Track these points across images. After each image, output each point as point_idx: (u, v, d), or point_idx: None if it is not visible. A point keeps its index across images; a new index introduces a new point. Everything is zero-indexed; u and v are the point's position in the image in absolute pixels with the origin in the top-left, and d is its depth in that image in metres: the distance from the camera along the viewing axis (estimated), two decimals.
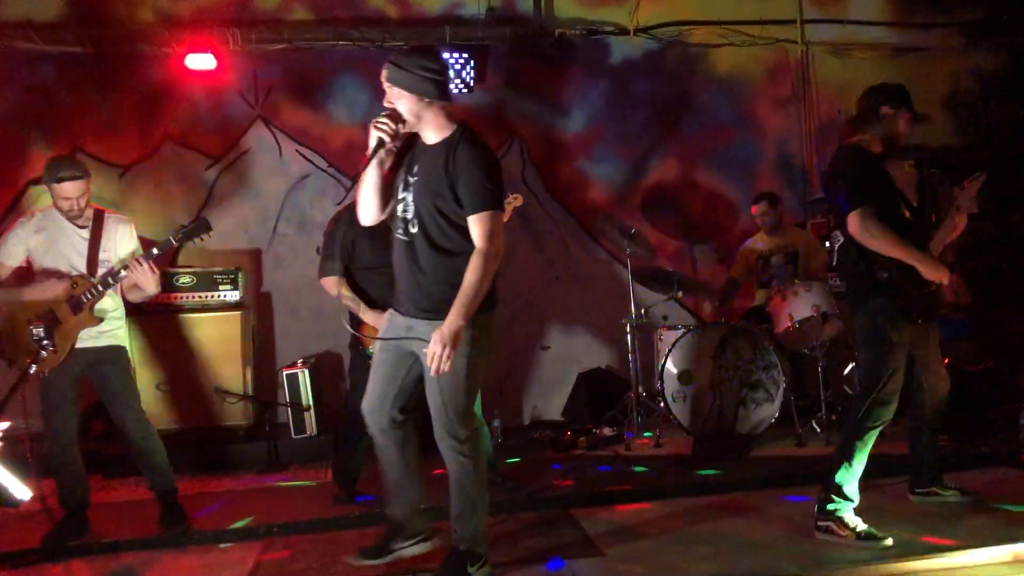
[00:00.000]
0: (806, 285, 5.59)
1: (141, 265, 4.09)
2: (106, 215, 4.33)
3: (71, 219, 4.21)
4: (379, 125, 3.28)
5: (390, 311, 3.52)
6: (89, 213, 4.28)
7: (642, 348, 6.20)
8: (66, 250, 4.21)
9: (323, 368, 6.50)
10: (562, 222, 7.13)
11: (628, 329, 6.18)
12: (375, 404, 3.48)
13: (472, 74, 6.69)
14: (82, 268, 4.18)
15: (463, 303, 3.15)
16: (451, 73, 6.58)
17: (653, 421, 6.05)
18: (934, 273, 3.80)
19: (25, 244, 4.23)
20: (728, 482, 4.71)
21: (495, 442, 4.94)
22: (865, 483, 4.00)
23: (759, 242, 6.52)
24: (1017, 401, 5.35)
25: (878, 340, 3.83)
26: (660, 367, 5.79)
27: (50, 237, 4.22)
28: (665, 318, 6.39)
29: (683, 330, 5.89)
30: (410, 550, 3.58)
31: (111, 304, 4.27)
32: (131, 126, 6.66)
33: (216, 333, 5.94)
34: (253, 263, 6.73)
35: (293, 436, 5.99)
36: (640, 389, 6.16)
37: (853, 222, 3.75)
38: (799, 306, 5.53)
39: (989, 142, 7.26)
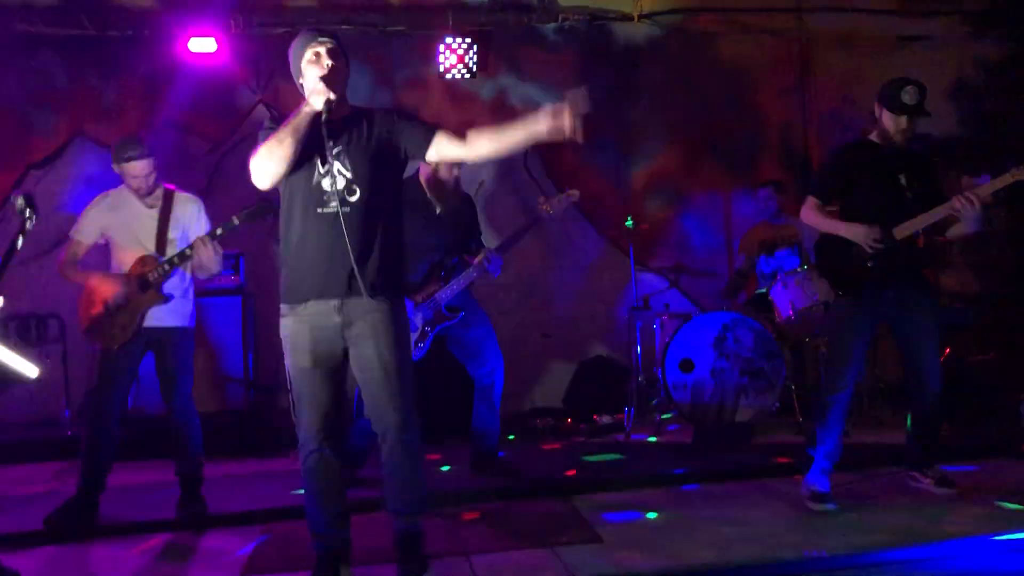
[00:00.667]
0: (808, 274, 5.58)
1: (205, 246, 4.13)
2: (176, 194, 4.41)
3: (140, 197, 4.30)
4: (332, 77, 3.12)
5: (313, 303, 3.18)
6: (159, 192, 4.37)
7: (643, 336, 6.20)
8: (137, 229, 4.29)
9: None
10: (563, 209, 7.09)
11: (629, 317, 6.18)
12: (333, 425, 3.36)
13: (475, 60, 6.66)
14: (151, 247, 4.26)
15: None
16: (454, 58, 6.61)
17: (653, 409, 6.05)
18: (860, 236, 3.97)
19: (99, 222, 4.32)
20: (728, 470, 4.71)
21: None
22: (864, 472, 4.08)
23: (762, 230, 6.50)
24: (1018, 391, 5.35)
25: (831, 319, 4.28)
26: (661, 355, 5.79)
27: (122, 216, 4.30)
28: (667, 306, 6.39)
29: (684, 318, 5.89)
30: None
31: (179, 283, 4.33)
32: (132, 110, 6.64)
33: (217, 317, 5.94)
34: (255, 247, 6.71)
35: (294, 421, 5.98)
36: (641, 377, 6.16)
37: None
38: (801, 295, 5.53)
39: (994, 132, 7.24)
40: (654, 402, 6.11)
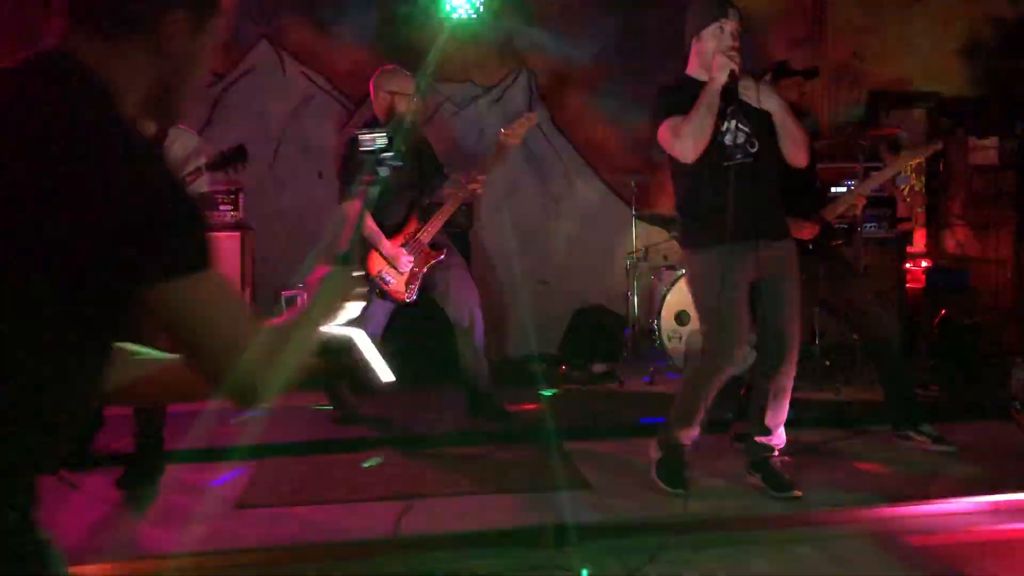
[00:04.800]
0: None
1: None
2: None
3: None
4: (734, 59, 3.41)
5: (723, 246, 3.42)
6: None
7: (640, 287, 6.20)
8: None
9: None
10: (567, 156, 7.06)
11: (627, 267, 6.18)
12: (742, 342, 3.62)
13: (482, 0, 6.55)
14: None
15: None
16: None
17: (648, 358, 6.08)
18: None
19: None
20: (719, 422, 4.74)
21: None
22: (853, 430, 4.17)
23: None
24: (1012, 354, 5.38)
25: None
26: (657, 306, 5.80)
27: None
28: (665, 258, 6.38)
29: (682, 270, 5.88)
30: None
31: None
32: None
33: (215, 252, 5.92)
34: (255, 183, 6.67)
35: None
36: (636, 327, 6.18)
37: None
38: None
39: (1005, 92, 7.17)
40: (649, 352, 6.14)
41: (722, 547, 3.23)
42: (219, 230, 5.98)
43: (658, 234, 6.41)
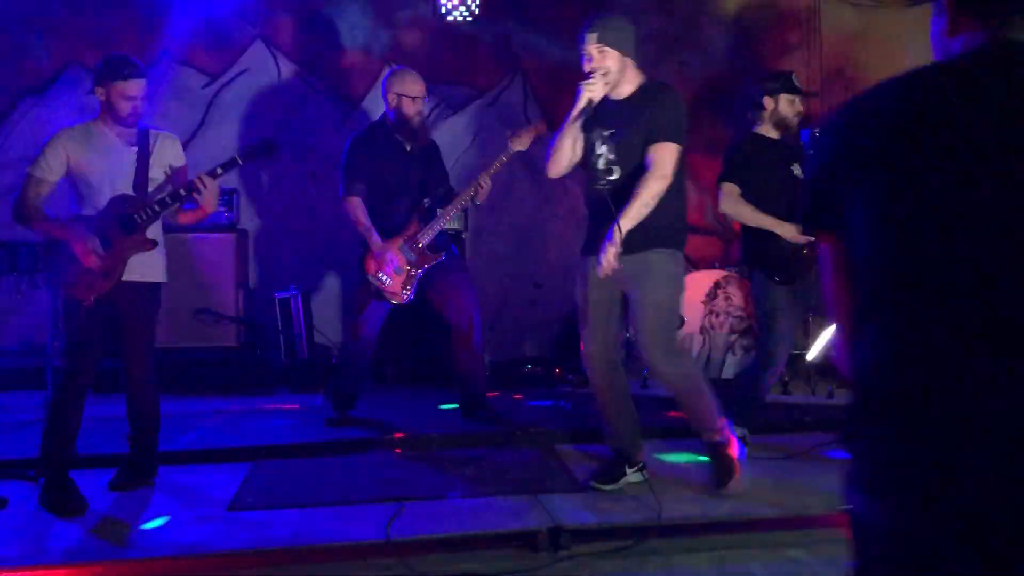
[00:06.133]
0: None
1: (205, 186, 3.71)
2: (152, 132, 3.87)
3: (126, 126, 3.74)
4: (590, 86, 3.54)
5: (590, 256, 3.69)
6: (133, 129, 3.81)
7: None
8: (115, 166, 3.72)
9: (318, 293, 6.50)
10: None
11: None
12: (600, 346, 3.75)
13: (477, 2, 6.55)
14: (128, 188, 3.72)
15: (629, 218, 3.48)
16: (456, 0, 6.50)
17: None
18: (790, 232, 4.16)
19: (67, 158, 3.67)
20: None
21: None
22: None
23: None
24: None
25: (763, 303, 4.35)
26: None
27: (97, 151, 3.71)
28: None
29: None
30: (632, 477, 3.81)
31: (158, 230, 3.85)
32: (128, 41, 6.53)
33: (209, 254, 5.92)
34: (250, 185, 6.67)
35: (283, 360, 6.02)
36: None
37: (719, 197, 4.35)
38: None
39: None
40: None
41: (716, 550, 3.23)
42: (213, 231, 5.97)
43: None
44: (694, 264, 6.67)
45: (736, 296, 5.69)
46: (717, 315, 5.68)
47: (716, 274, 5.78)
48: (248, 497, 3.73)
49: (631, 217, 3.48)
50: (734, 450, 3.73)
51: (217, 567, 3.10)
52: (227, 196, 6.02)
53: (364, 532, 3.27)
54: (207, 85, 6.69)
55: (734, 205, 4.28)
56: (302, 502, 3.63)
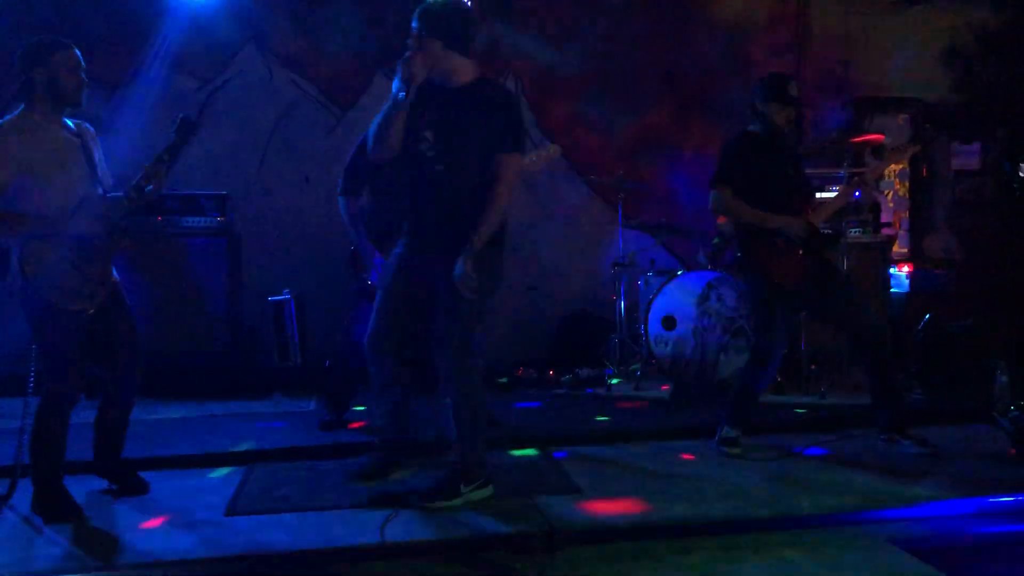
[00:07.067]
0: None
1: (163, 176, 3.53)
2: (76, 124, 3.63)
3: (73, 105, 3.52)
4: (409, 65, 3.44)
5: (399, 247, 3.69)
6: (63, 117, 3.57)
7: (628, 292, 6.23)
8: (66, 159, 3.48)
9: (311, 297, 6.49)
10: (554, 162, 7.05)
11: (614, 272, 6.20)
12: (383, 338, 3.69)
13: (468, 4, 6.55)
14: (84, 184, 3.50)
15: (481, 237, 3.44)
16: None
17: (635, 364, 6.09)
18: (794, 227, 4.19)
19: (16, 155, 3.37)
20: (706, 427, 4.77)
21: None
22: (840, 434, 4.48)
23: None
24: (995, 358, 5.42)
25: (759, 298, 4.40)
26: (644, 311, 5.82)
27: (43, 144, 3.43)
28: (652, 263, 6.40)
29: (669, 275, 5.91)
30: (399, 474, 3.83)
31: None
32: (120, 45, 6.52)
33: (202, 258, 5.91)
34: (242, 189, 6.65)
35: (277, 364, 6.02)
36: (624, 332, 6.20)
37: (711, 198, 4.32)
38: None
39: (988, 98, 7.25)
40: (636, 357, 6.16)
41: (711, 551, 3.24)
42: (205, 235, 5.96)
43: (645, 239, 6.42)
44: (687, 265, 6.70)
45: (728, 297, 5.69)
46: (710, 316, 5.69)
47: (708, 275, 5.79)
48: (243, 502, 3.72)
49: (483, 235, 3.47)
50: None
51: (213, 572, 3.10)
52: (219, 199, 6.02)
53: (359, 536, 3.28)
54: (199, 89, 6.68)
55: (729, 203, 4.27)
56: (297, 506, 3.64)
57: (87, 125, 3.71)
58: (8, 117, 3.50)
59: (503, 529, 3.34)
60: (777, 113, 4.35)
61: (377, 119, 3.54)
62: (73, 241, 3.41)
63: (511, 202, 3.60)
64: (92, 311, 3.51)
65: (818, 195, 5.47)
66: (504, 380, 6.18)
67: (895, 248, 6.96)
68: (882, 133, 6.94)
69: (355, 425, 4.90)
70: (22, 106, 3.52)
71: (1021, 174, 6.94)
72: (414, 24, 3.54)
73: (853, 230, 6.11)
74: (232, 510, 3.62)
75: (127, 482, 3.87)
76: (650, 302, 5.76)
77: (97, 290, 3.52)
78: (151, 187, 3.54)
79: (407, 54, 3.47)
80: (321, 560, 3.17)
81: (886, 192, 7.34)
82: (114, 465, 3.86)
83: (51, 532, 3.39)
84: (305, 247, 6.62)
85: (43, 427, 3.52)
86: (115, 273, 3.69)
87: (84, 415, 3.80)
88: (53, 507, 3.52)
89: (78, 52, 3.53)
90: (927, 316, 5.88)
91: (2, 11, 6.41)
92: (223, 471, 4.19)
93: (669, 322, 5.72)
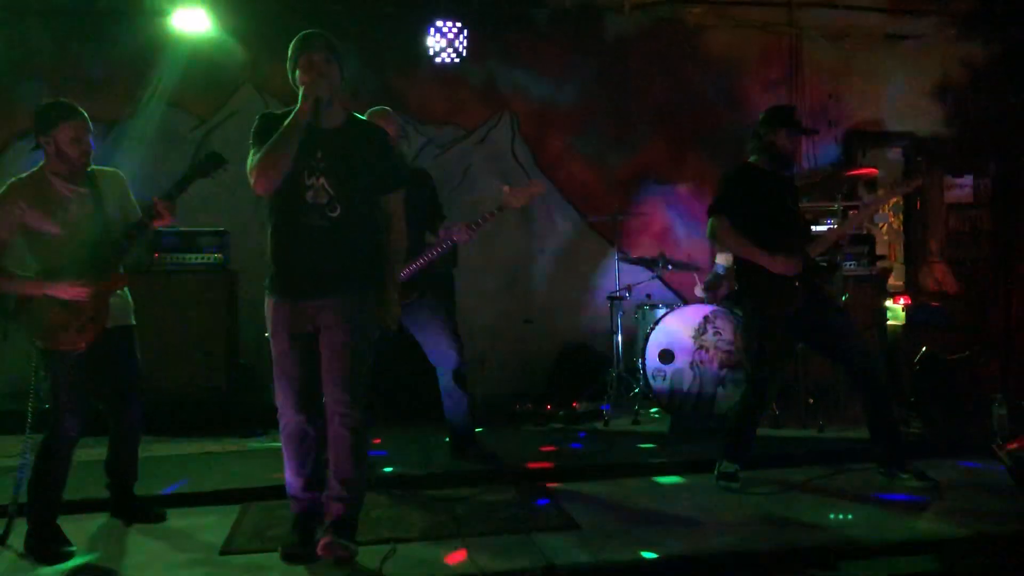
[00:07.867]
0: None
1: (165, 213, 3.65)
2: (97, 170, 3.78)
3: (78, 169, 3.64)
4: (314, 86, 3.30)
5: (289, 302, 3.54)
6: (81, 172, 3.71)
7: (624, 325, 6.23)
8: (73, 215, 3.61)
9: None
10: (550, 196, 7.11)
11: (611, 306, 6.21)
12: (308, 399, 3.56)
13: (464, 44, 6.64)
14: (89, 234, 3.63)
15: (392, 275, 3.45)
16: (444, 42, 6.59)
17: (632, 398, 6.08)
18: (781, 265, 4.18)
19: (20, 214, 3.55)
20: (705, 460, 4.75)
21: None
22: (838, 467, 4.46)
23: None
24: (992, 391, 5.42)
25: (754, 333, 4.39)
26: (642, 345, 5.82)
27: (49, 202, 3.59)
28: (648, 296, 6.42)
29: (666, 309, 5.92)
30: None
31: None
32: (118, 84, 6.58)
33: (199, 295, 5.91)
34: (239, 225, 6.67)
35: (273, 400, 5.98)
36: (621, 366, 6.20)
37: (708, 225, 4.32)
38: None
39: (978, 131, 7.34)
40: (634, 391, 6.15)
41: None
42: (204, 272, 5.97)
43: (642, 273, 6.44)
44: (684, 298, 6.72)
45: (725, 330, 5.70)
46: (707, 350, 5.69)
47: (705, 308, 5.80)
48: (239, 540, 3.69)
49: (397, 272, 3.56)
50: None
51: None
52: (218, 236, 6.04)
53: (356, 573, 3.25)
54: (196, 128, 6.73)
55: (724, 232, 4.27)
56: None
57: (110, 169, 3.87)
58: (24, 174, 3.67)
59: (502, 566, 3.31)
60: (786, 140, 4.35)
61: (267, 147, 3.32)
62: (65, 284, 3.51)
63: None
64: (83, 347, 3.54)
65: (813, 228, 5.51)
66: (502, 413, 6.15)
67: (891, 280, 6.99)
68: (875, 167, 7.01)
69: None
70: (41, 161, 3.68)
71: None
72: (320, 45, 3.37)
73: (849, 263, 6.14)
74: (228, 548, 3.59)
75: (145, 516, 3.94)
76: (647, 335, 5.76)
77: (87, 327, 3.55)
78: (148, 223, 3.70)
79: (315, 74, 3.32)
80: None
81: (881, 225, 7.38)
82: (127, 501, 3.94)
83: (45, 573, 3.36)
84: None
85: (41, 467, 3.56)
86: (118, 317, 3.75)
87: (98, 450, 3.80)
88: (45, 548, 3.50)
89: (82, 120, 3.63)
90: (924, 348, 5.89)
91: (2, 53, 6.48)
92: (218, 508, 4.16)
93: (666, 355, 5.72)
